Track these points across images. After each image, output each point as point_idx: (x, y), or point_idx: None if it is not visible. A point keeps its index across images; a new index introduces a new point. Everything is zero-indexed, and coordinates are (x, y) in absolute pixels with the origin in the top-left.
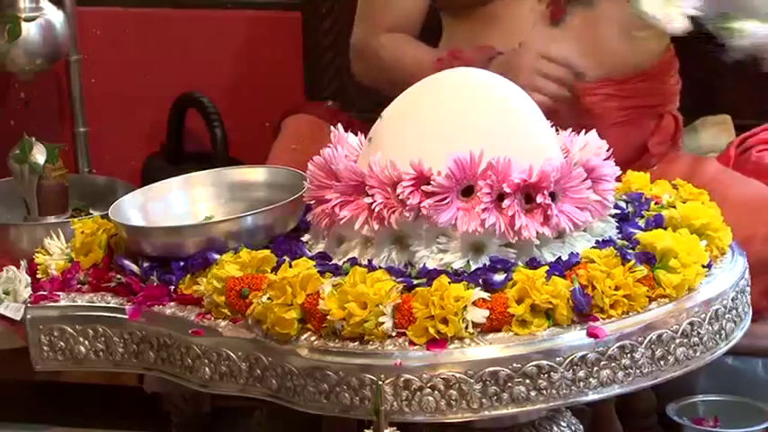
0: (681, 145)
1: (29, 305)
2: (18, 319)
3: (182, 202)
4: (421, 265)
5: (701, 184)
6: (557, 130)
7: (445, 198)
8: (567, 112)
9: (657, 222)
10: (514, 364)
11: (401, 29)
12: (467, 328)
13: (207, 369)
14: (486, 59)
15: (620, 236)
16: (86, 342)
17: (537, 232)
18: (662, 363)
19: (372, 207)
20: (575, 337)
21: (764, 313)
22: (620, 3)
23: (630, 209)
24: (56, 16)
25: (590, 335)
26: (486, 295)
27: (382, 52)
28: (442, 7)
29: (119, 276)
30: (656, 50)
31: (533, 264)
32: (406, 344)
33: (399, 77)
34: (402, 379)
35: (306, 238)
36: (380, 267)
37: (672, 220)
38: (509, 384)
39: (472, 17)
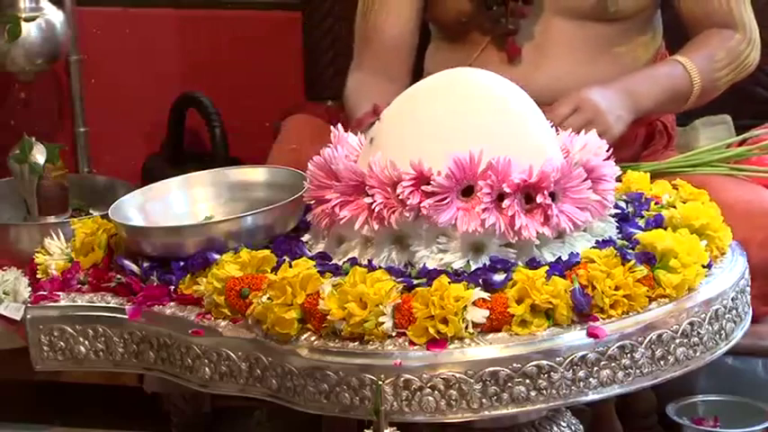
0: (674, 146)
1: (29, 305)
2: (18, 319)
3: (182, 202)
4: (421, 265)
5: (695, 185)
6: (556, 131)
7: (445, 198)
8: None
9: (657, 222)
10: (514, 364)
11: (380, 66)
12: (467, 328)
13: (207, 369)
14: None
15: (620, 236)
16: (86, 342)
17: (537, 232)
18: (662, 363)
19: (372, 207)
20: (575, 337)
21: (761, 318)
22: (586, 26)
23: (630, 209)
24: (56, 16)
25: (590, 335)
26: (486, 295)
27: (345, 92)
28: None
29: (119, 276)
30: (643, 58)
31: (533, 264)
32: (406, 344)
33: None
34: (402, 379)
35: (306, 238)
36: (380, 267)
37: (672, 220)
38: (509, 384)
39: (458, 42)
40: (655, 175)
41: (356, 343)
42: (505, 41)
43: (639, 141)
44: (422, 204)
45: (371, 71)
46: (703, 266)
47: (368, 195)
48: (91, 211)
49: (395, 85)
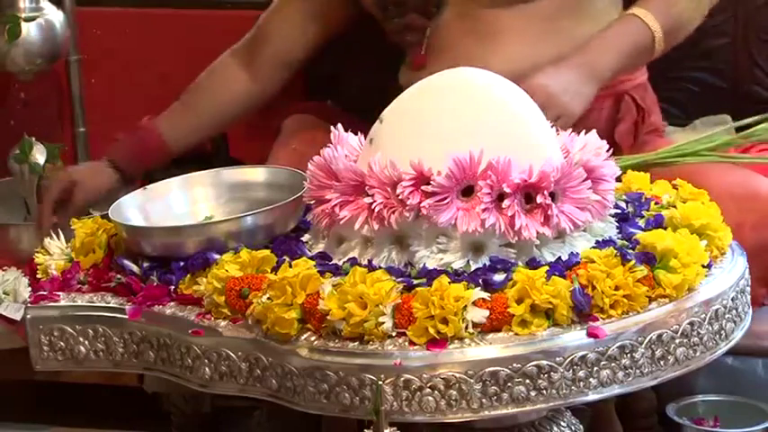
0: (663, 129)
1: (29, 305)
2: (18, 319)
3: (182, 202)
4: (421, 265)
5: (685, 172)
6: (557, 131)
7: (445, 198)
8: None
9: (657, 222)
10: (514, 364)
11: (252, 62)
12: (467, 328)
13: (207, 369)
14: None
15: (620, 236)
16: (86, 342)
17: (537, 232)
18: (662, 363)
19: (372, 207)
20: (575, 337)
21: (761, 300)
22: (526, 7)
23: (630, 209)
24: (56, 16)
25: (590, 335)
26: (486, 295)
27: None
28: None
29: (119, 276)
30: (595, 31)
31: (533, 264)
32: (406, 344)
33: None
34: (402, 379)
35: (306, 238)
36: (380, 267)
37: (672, 220)
38: (509, 384)
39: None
40: (643, 167)
41: (356, 343)
42: (414, 51)
43: (606, 114)
44: (422, 204)
45: (243, 61)
46: (703, 266)
47: (368, 195)
48: (91, 211)
49: (256, 86)
